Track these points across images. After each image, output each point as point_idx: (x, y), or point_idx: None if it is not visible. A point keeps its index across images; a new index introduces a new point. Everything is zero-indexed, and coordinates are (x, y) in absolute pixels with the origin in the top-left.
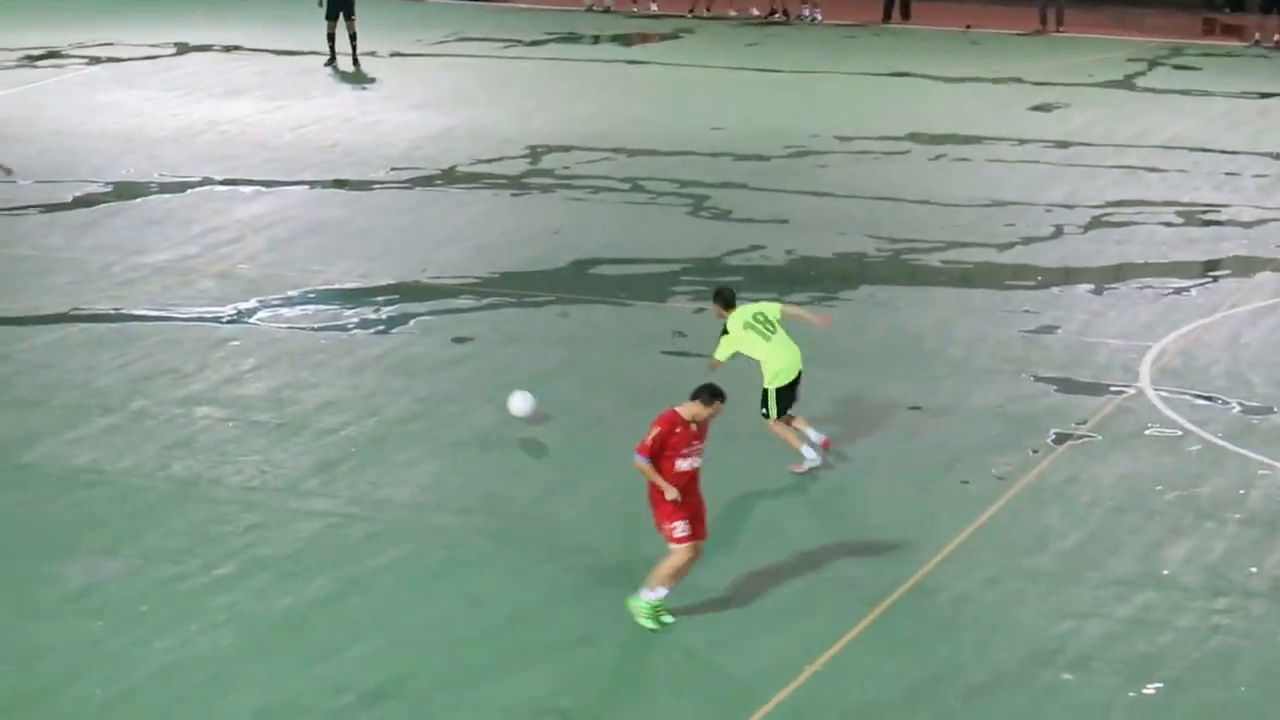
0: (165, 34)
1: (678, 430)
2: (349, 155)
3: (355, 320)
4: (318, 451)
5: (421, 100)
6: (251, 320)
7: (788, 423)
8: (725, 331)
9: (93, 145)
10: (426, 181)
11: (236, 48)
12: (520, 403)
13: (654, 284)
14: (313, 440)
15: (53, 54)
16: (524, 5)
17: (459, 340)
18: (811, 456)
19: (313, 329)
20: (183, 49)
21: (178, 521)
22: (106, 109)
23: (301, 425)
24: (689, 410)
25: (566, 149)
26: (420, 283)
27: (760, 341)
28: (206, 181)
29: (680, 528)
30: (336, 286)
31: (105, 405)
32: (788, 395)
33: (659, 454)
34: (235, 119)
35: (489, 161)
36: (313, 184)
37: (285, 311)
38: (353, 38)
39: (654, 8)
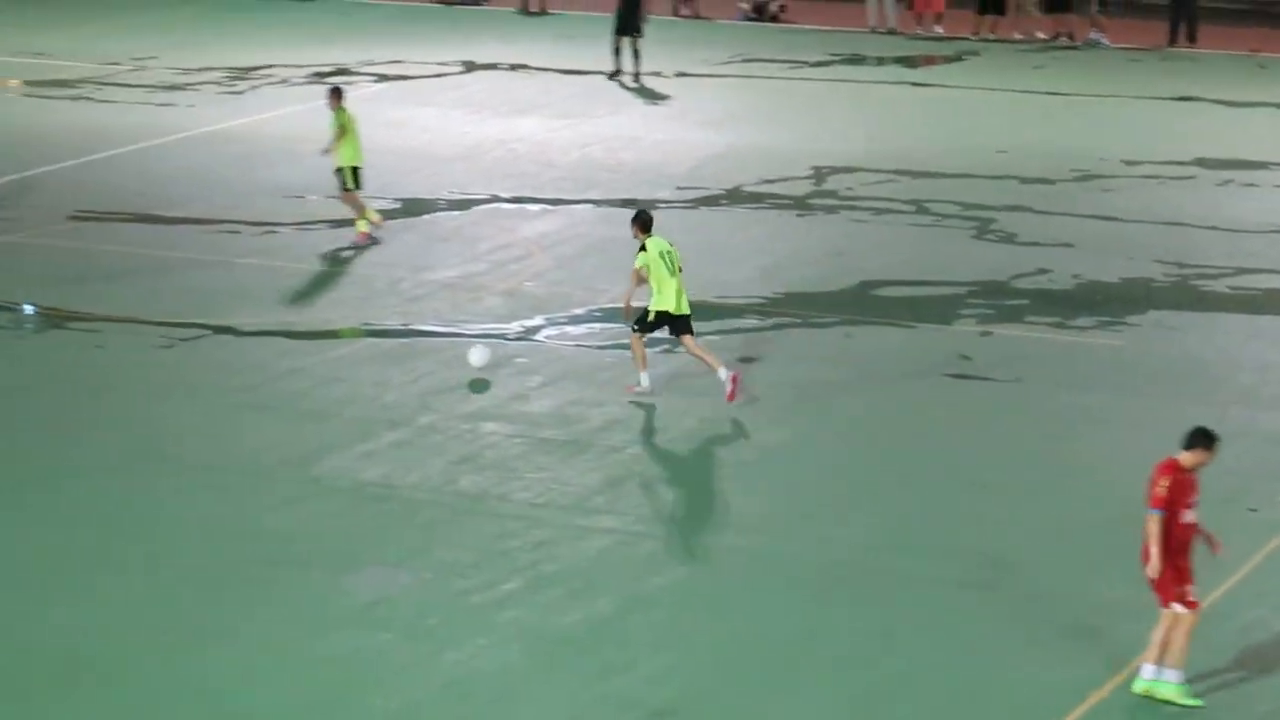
0: (453, 53)
1: (1182, 479)
2: (635, 174)
3: None
4: (604, 469)
5: (707, 119)
6: (538, 337)
7: (642, 345)
8: (643, 249)
9: (382, 162)
10: (711, 201)
11: (523, 66)
12: (478, 355)
13: (938, 306)
14: (599, 457)
15: (342, 71)
16: (809, 27)
17: (744, 359)
18: (645, 385)
19: (598, 347)
20: (470, 67)
21: (466, 536)
22: (395, 126)
23: (588, 443)
24: (1190, 459)
25: (850, 170)
26: (705, 301)
27: (665, 274)
28: (494, 199)
29: (1192, 591)
30: (622, 305)
31: (394, 420)
32: (661, 322)
33: (1170, 506)
34: (522, 137)
35: (773, 182)
36: (598, 202)
37: (571, 329)
38: (636, 55)
39: (939, 30)
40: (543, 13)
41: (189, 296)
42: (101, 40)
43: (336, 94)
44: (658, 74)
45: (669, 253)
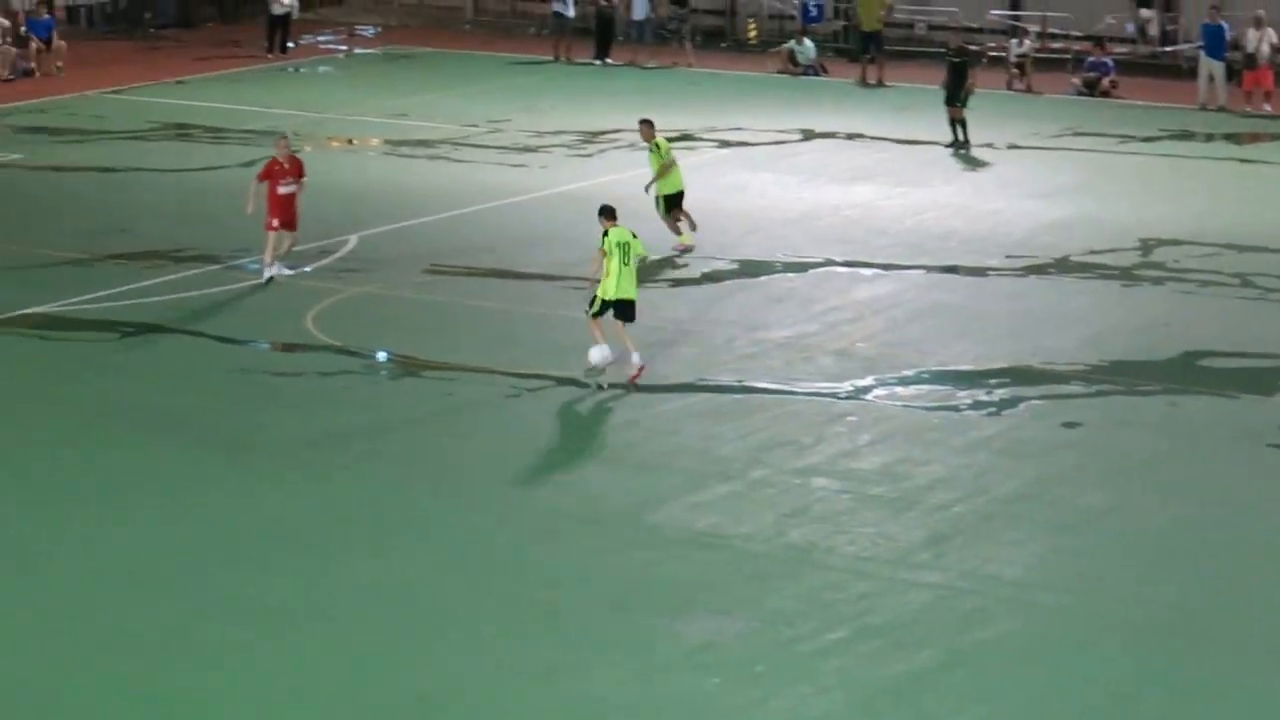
0: (792, 121)
1: None
2: (965, 242)
3: (968, 401)
4: (929, 526)
5: (1036, 190)
6: (868, 397)
7: (598, 327)
8: (605, 234)
9: (719, 224)
10: (1039, 269)
11: (859, 135)
12: (597, 354)
13: (1262, 378)
14: (924, 515)
15: (686, 136)
16: (1139, 102)
17: (1069, 425)
18: (597, 360)
19: (926, 408)
20: (808, 135)
21: (793, 586)
22: (734, 190)
23: (914, 500)
24: None
25: (1177, 243)
26: (1032, 367)
27: (616, 262)
28: (828, 263)
29: None
30: (950, 368)
31: (726, 472)
32: (609, 307)
33: None
34: (857, 204)
35: (1100, 252)
36: (929, 268)
37: (900, 390)
38: (962, 124)
39: (1268, 109)
40: (880, 85)
41: (536, 349)
42: (460, 104)
43: (649, 125)
44: (990, 145)
45: (626, 244)
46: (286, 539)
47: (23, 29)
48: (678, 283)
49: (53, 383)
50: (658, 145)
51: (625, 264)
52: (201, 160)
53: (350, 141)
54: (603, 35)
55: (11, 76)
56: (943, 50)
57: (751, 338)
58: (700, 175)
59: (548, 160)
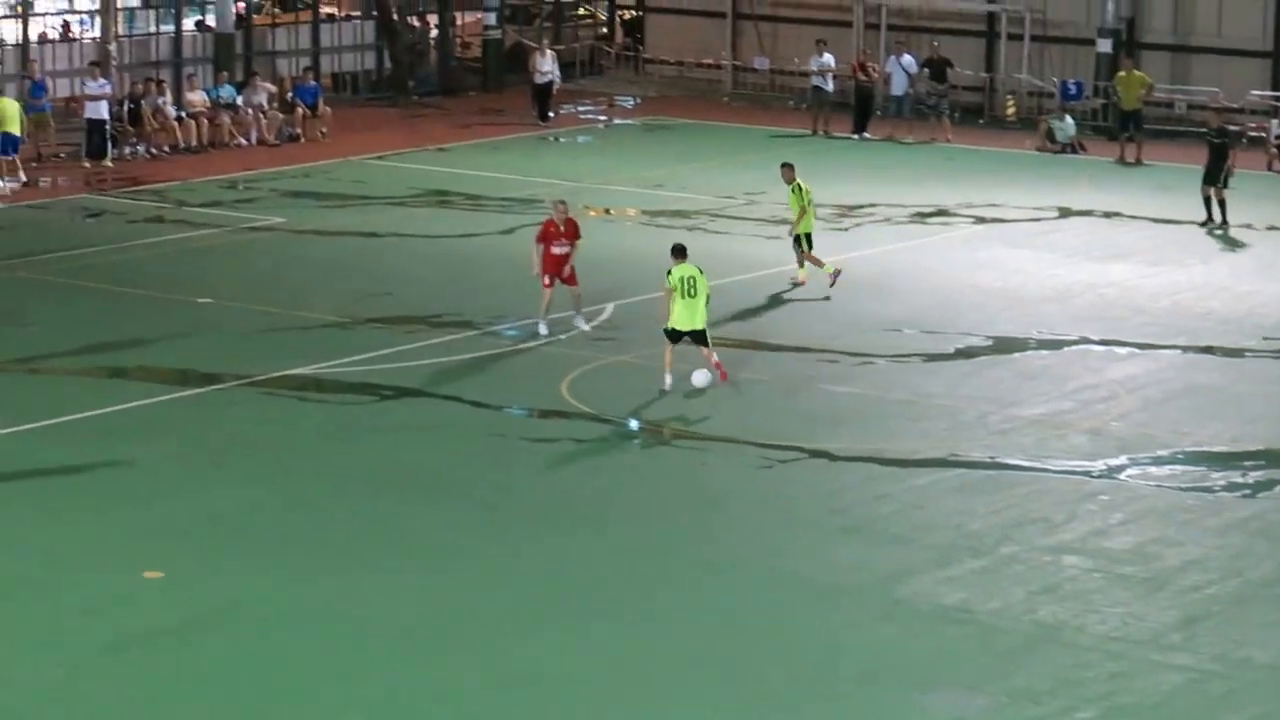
0: (1048, 198)
1: None
2: (1222, 322)
3: (1222, 482)
4: (1181, 607)
5: None
6: (1120, 476)
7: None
8: (669, 272)
9: (973, 300)
10: None
11: (1117, 214)
12: (700, 378)
13: None
14: (1176, 596)
15: (941, 212)
16: None
17: None
18: (668, 384)
19: (1180, 488)
20: (1065, 213)
21: (1041, 664)
22: (988, 266)
23: (1166, 580)
24: None
25: None
26: None
27: (680, 295)
28: (1083, 340)
29: None
30: (1205, 449)
31: (976, 548)
32: (675, 335)
33: None
34: (1113, 282)
35: None
36: (1185, 349)
37: (1154, 470)
38: (1221, 205)
39: None
40: (1138, 163)
41: (788, 420)
42: (717, 175)
43: (790, 169)
44: (1248, 226)
45: (692, 279)
46: (541, 601)
47: (290, 95)
48: (931, 357)
49: (312, 444)
50: (799, 187)
51: (689, 296)
52: (461, 227)
53: (607, 211)
54: (861, 110)
55: (278, 141)
56: (1203, 130)
57: (1004, 414)
58: (956, 251)
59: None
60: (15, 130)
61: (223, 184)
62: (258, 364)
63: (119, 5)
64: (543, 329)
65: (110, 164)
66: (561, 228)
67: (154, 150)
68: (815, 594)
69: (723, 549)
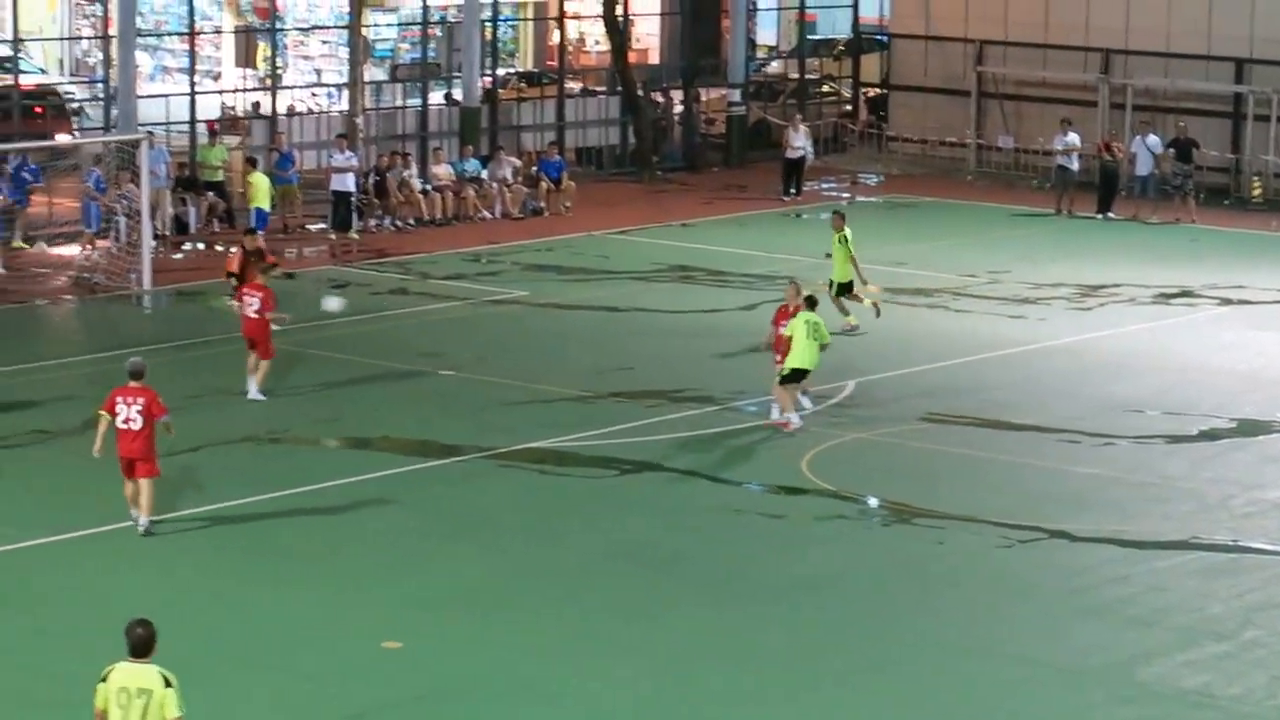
0: None
1: None
2: None
3: None
4: None
5: None
6: None
7: (789, 392)
8: (792, 315)
9: (1217, 382)
10: None
11: None
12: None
13: None
14: None
15: (1185, 293)
16: None
17: None
18: (797, 422)
19: None
20: None
21: None
22: (1232, 348)
23: None
24: None
25: None
26: None
27: (803, 338)
28: None
29: None
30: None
31: (1218, 632)
32: (797, 376)
33: None
34: None
35: None
36: None
37: None
38: None
39: None
40: None
41: (1027, 500)
42: (960, 254)
43: (840, 217)
44: None
45: (814, 323)
46: (774, 675)
47: (534, 169)
48: (1174, 439)
49: (551, 517)
50: (845, 238)
51: (811, 339)
52: (702, 302)
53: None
54: (1106, 189)
55: (521, 215)
56: None
57: (1247, 497)
58: (1200, 332)
59: (1045, 313)
60: (265, 206)
61: (466, 257)
62: (498, 436)
63: (366, 79)
64: (774, 417)
65: (355, 236)
66: (791, 308)
67: (399, 223)
68: (1055, 675)
69: (961, 628)
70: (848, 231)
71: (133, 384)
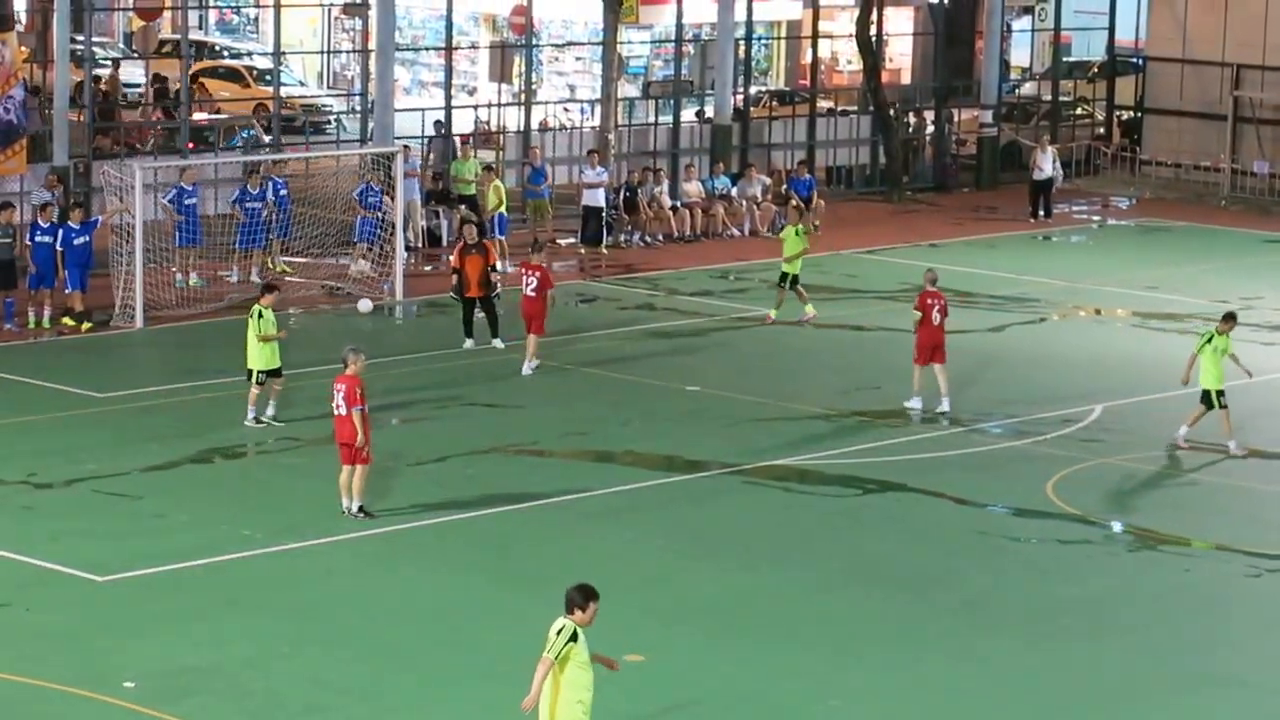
0: None
1: None
2: None
3: None
4: None
5: None
6: None
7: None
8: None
9: None
10: None
11: None
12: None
13: None
14: None
15: None
16: None
17: None
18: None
19: None
20: None
21: None
22: None
23: None
24: None
25: None
26: None
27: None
28: None
29: None
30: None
31: None
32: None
33: None
34: None
35: None
36: None
37: None
38: None
39: None
40: None
41: (1272, 526)
42: (1212, 279)
43: (798, 212)
44: None
45: (1222, 348)
46: (1016, 705)
47: (784, 187)
48: None
49: (795, 535)
50: (802, 230)
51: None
52: (951, 323)
53: (1098, 312)
54: None
55: (771, 233)
56: None
57: None
58: None
59: None
60: (503, 210)
61: (714, 274)
62: (743, 453)
63: (619, 95)
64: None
65: (605, 250)
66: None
67: (648, 238)
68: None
69: (1221, 659)
70: (805, 226)
71: (347, 372)
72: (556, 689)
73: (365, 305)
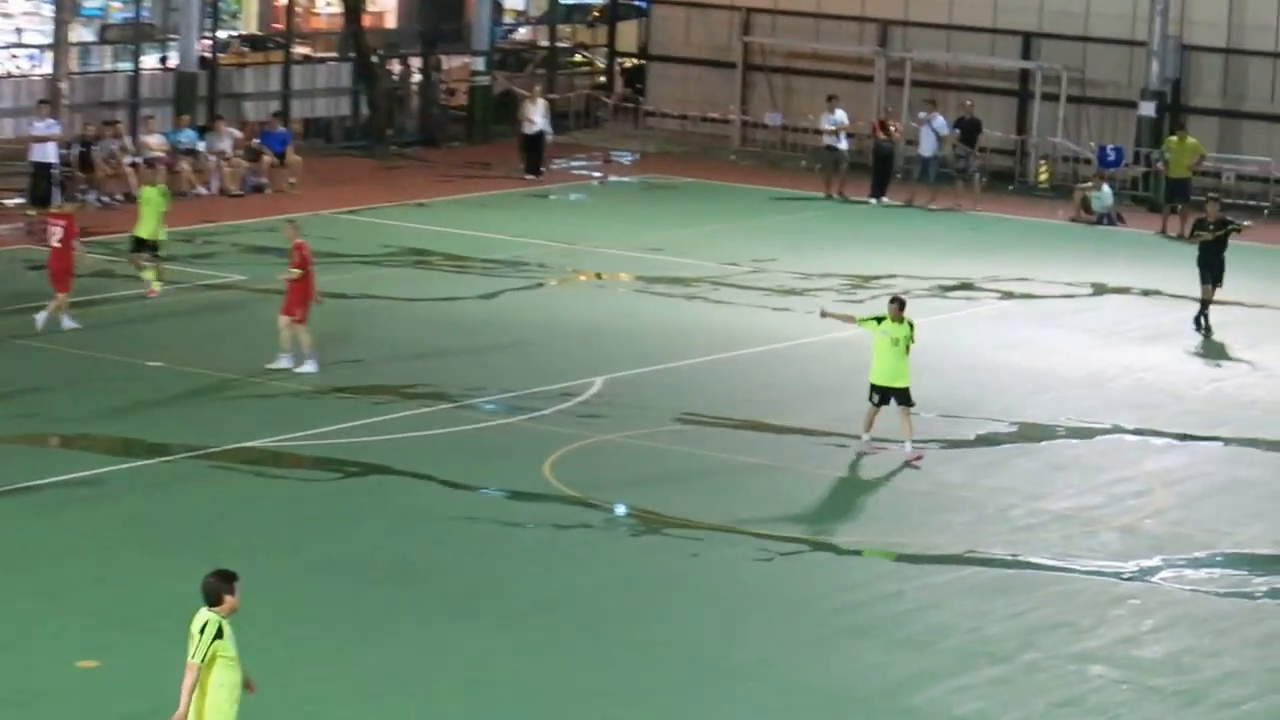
0: (1083, 273)
1: None
2: (1268, 413)
3: (1264, 588)
4: None
5: None
6: (1153, 579)
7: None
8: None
9: (1000, 382)
10: None
11: (1156, 292)
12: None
13: None
14: (1212, 711)
15: (965, 286)
16: None
17: None
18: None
19: (1218, 594)
20: (1100, 290)
21: None
22: (1015, 346)
23: (1201, 694)
24: None
25: None
26: None
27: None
28: (1116, 429)
29: None
30: (1246, 550)
31: (994, 654)
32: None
33: None
34: (1151, 366)
35: None
36: (1227, 441)
37: (1189, 573)
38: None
39: None
40: (1181, 238)
41: (791, 508)
42: (720, 240)
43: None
44: None
45: (903, 339)
46: (527, 703)
47: (256, 141)
48: (951, 444)
49: (270, 525)
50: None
51: (895, 346)
52: (439, 290)
53: (599, 276)
54: (881, 172)
55: (241, 192)
56: (1252, 202)
57: (1029, 508)
58: (980, 328)
59: (814, 305)
60: None
61: (179, 237)
62: (212, 434)
63: (72, 40)
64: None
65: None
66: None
67: (105, 198)
68: (819, 702)
69: (719, 651)
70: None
71: None
72: (204, 694)
73: None
